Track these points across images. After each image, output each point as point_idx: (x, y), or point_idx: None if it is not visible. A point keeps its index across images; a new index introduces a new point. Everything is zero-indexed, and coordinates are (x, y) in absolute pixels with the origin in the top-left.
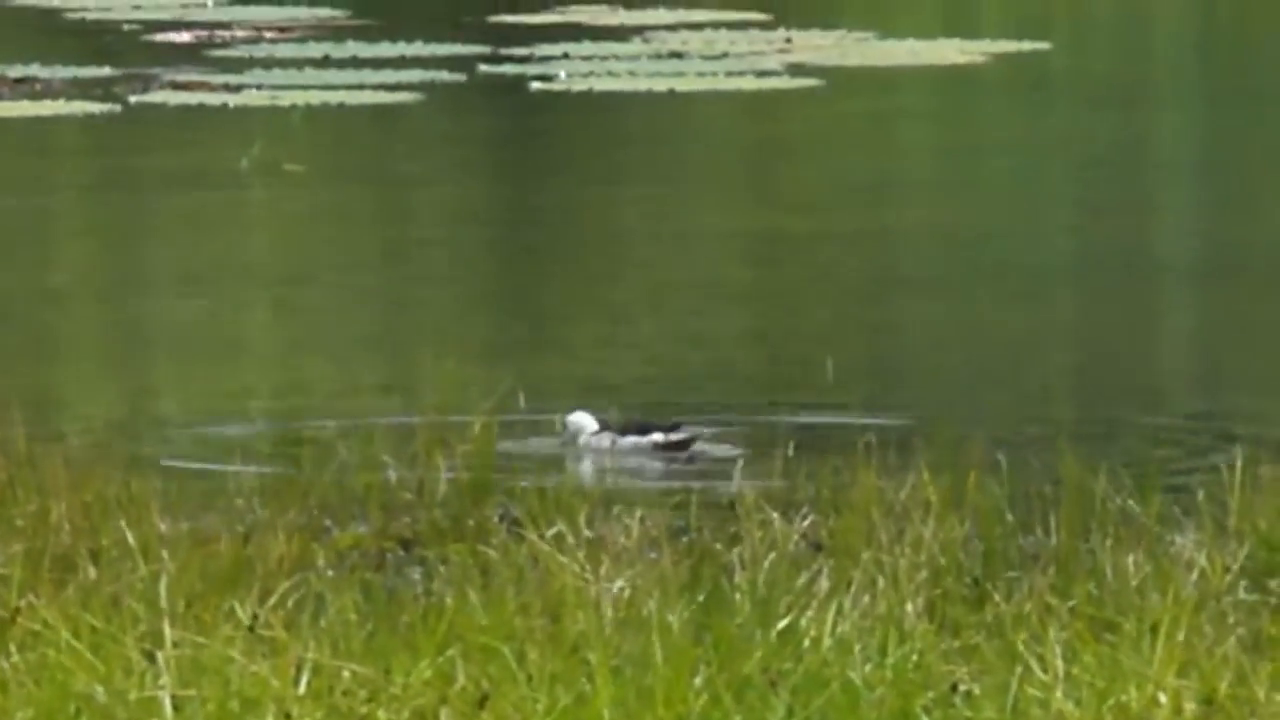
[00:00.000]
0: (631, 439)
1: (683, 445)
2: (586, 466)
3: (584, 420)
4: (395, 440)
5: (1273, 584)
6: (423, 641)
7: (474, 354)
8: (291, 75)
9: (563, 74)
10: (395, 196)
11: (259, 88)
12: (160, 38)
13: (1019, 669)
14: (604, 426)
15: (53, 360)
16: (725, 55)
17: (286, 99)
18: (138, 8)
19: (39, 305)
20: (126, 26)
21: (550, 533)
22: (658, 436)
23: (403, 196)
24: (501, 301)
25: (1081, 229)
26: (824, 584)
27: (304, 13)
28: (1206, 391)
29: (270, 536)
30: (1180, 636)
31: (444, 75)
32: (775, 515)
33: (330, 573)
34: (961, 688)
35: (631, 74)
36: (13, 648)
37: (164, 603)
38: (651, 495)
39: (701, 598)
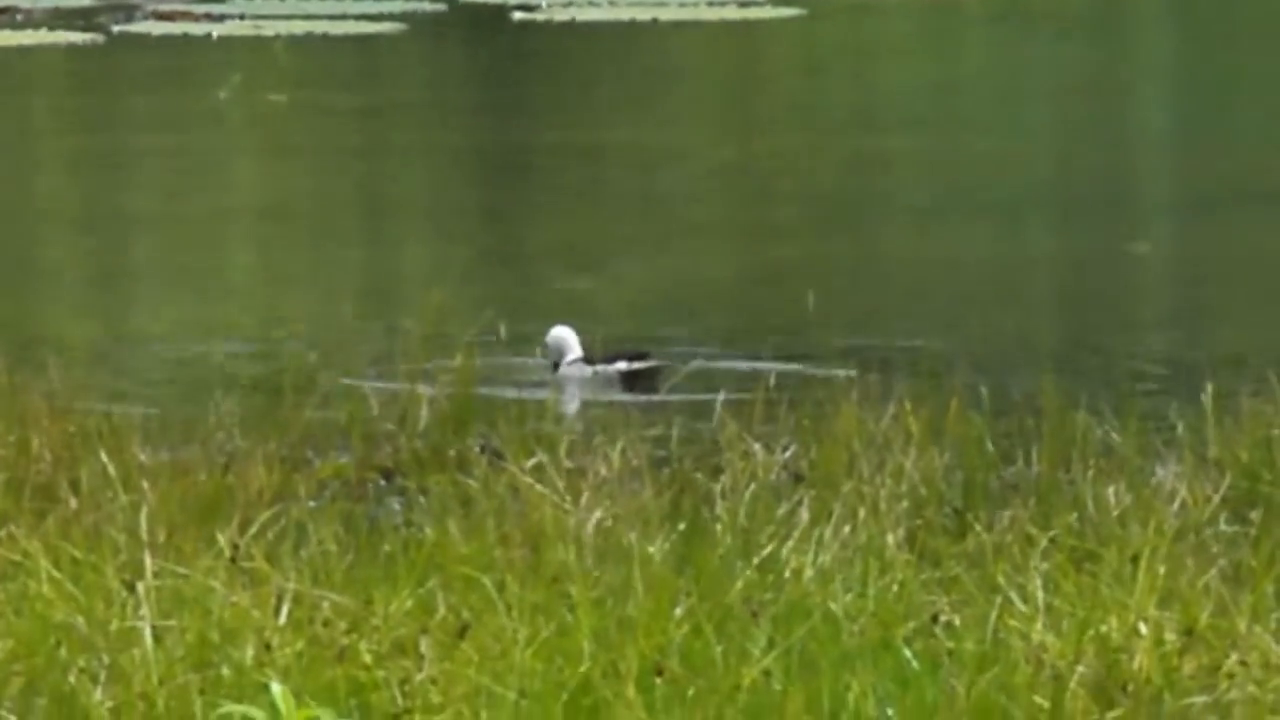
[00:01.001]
0: (602, 368)
1: (648, 375)
2: (566, 396)
3: (566, 335)
4: (377, 370)
5: (1253, 515)
6: (403, 572)
7: (455, 284)
8: (274, 5)
9: (544, 3)
10: (377, 127)
11: (242, 18)
12: None
13: (999, 599)
14: (585, 350)
15: (34, 291)
16: None
17: (270, 29)
18: None
19: (20, 236)
20: None
21: (531, 463)
22: (621, 365)
23: (384, 127)
24: (483, 232)
25: (1063, 160)
26: (805, 515)
27: None
28: (1188, 322)
29: (251, 466)
30: (1161, 567)
31: (425, 5)
32: (757, 446)
33: (311, 503)
34: (942, 618)
35: (613, 3)
36: None
37: (144, 533)
38: (632, 426)
39: (682, 528)
